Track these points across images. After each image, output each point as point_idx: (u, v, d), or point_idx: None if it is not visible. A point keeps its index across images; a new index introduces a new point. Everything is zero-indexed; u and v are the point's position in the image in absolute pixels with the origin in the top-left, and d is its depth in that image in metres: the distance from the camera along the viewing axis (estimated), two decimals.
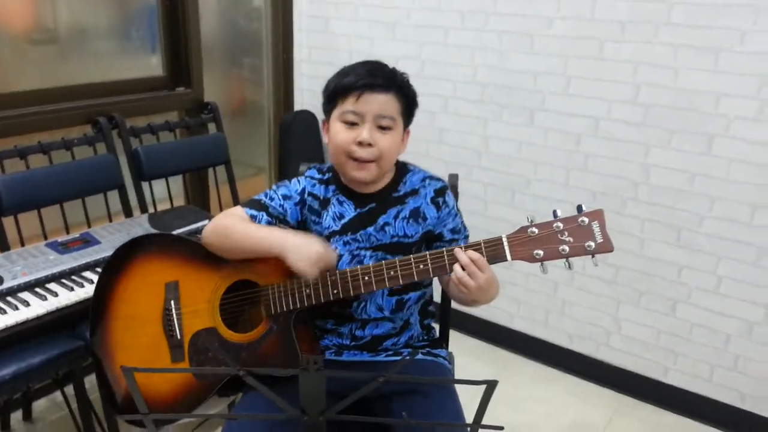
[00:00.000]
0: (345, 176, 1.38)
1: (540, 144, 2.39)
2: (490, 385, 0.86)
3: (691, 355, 2.25)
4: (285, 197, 1.40)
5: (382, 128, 1.32)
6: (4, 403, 1.97)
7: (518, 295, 2.60)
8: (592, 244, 1.17)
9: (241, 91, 2.99)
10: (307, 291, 1.30)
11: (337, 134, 1.33)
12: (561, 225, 1.19)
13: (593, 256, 1.19)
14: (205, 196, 2.66)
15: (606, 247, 1.18)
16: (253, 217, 1.36)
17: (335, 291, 1.29)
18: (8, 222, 1.94)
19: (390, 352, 1.43)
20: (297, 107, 3.00)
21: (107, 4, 2.37)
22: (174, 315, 1.37)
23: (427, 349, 1.47)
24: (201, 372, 1.32)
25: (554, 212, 1.20)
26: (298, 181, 1.43)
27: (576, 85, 2.26)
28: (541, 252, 1.20)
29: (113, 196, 2.21)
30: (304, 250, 1.25)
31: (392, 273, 1.26)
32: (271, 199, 1.39)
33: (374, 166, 1.33)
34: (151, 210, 2.33)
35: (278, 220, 1.38)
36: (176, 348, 1.37)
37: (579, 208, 1.19)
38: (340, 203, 1.41)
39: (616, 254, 2.23)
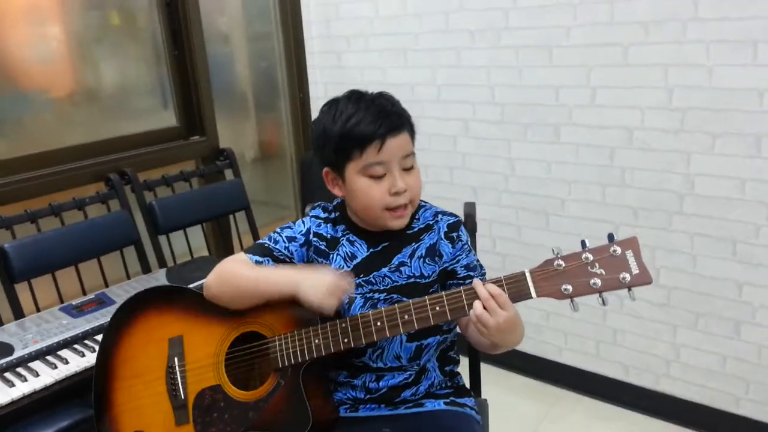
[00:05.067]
0: (378, 227, 1.28)
1: (571, 161, 2.22)
2: None
3: (765, 381, 2.00)
4: (290, 239, 1.31)
5: (406, 169, 1.23)
6: None
7: (564, 327, 2.40)
8: (627, 276, 1.05)
9: (264, 133, 2.96)
10: (316, 341, 1.19)
11: (367, 191, 1.22)
12: (590, 256, 1.07)
13: (630, 290, 1.06)
14: (227, 245, 2.60)
15: (643, 278, 1.05)
16: (258, 263, 1.27)
17: (345, 340, 1.18)
18: (23, 288, 1.91)
19: (410, 404, 1.30)
20: None
21: (119, 64, 2.37)
22: (177, 372, 1.27)
23: (451, 398, 1.33)
24: None
25: (582, 242, 1.09)
26: (303, 222, 1.34)
27: (603, 95, 2.09)
28: (569, 287, 1.07)
29: (131, 253, 2.17)
30: (316, 281, 1.15)
31: (406, 317, 1.14)
32: (276, 242, 1.31)
33: (409, 208, 1.25)
34: (170, 264, 2.28)
35: (284, 263, 1.29)
36: (180, 409, 1.26)
37: (610, 237, 1.08)
38: (351, 243, 1.31)
39: (667, 274, 2.09)
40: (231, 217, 2.49)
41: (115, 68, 2.36)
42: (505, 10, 2.22)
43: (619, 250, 1.06)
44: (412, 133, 1.25)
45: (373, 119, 1.19)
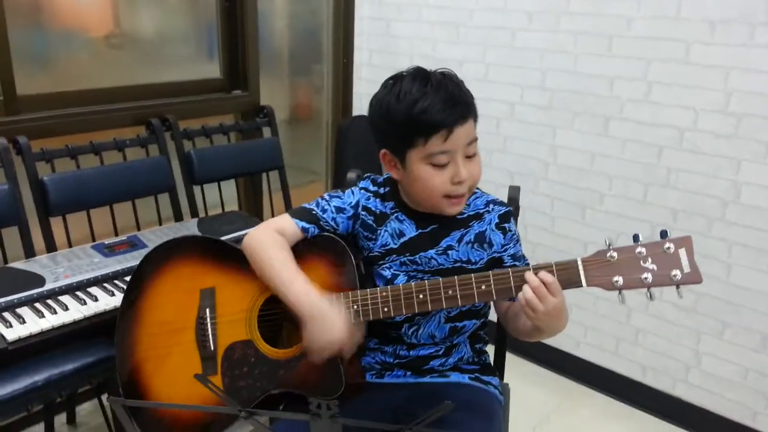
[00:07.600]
0: (435, 211, 1.24)
1: (615, 156, 2.18)
2: None
3: None
4: (338, 209, 1.29)
5: (469, 156, 1.19)
6: (47, 406, 1.94)
7: (585, 320, 2.38)
8: (679, 273, 1.06)
9: (300, 95, 2.93)
10: (354, 307, 1.19)
11: (429, 179, 1.18)
12: (644, 251, 1.07)
13: (678, 287, 1.07)
14: (257, 202, 2.60)
15: (694, 278, 1.06)
16: (304, 230, 1.27)
17: (386, 309, 1.17)
18: (57, 222, 1.93)
19: (436, 374, 1.31)
20: (356, 112, 2.91)
21: (168, 9, 2.35)
22: (208, 324, 1.27)
23: (477, 374, 1.33)
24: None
25: (635, 236, 1.09)
26: (352, 192, 1.32)
27: (658, 92, 2.04)
28: (620, 279, 1.08)
29: (165, 199, 2.18)
30: (321, 328, 1.15)
31: (450, 292, 1.14)
32: (324, 210, 1.29)
33: (466, 195, 1.23)
34: (202, 215, 2.28)
35: (329, 233, 1.29)
36: (209, 360, 1.27)
37: (663, 233, 1.07)
38: (400, 221, 1.29)
39: None
40: (264, 174, 2.49)
41: (162, 13, 2.34)
42: None
43: (672, 247, 1.06)
44: (476, 118, 1.20)
45: (442, 107, 1.13)
